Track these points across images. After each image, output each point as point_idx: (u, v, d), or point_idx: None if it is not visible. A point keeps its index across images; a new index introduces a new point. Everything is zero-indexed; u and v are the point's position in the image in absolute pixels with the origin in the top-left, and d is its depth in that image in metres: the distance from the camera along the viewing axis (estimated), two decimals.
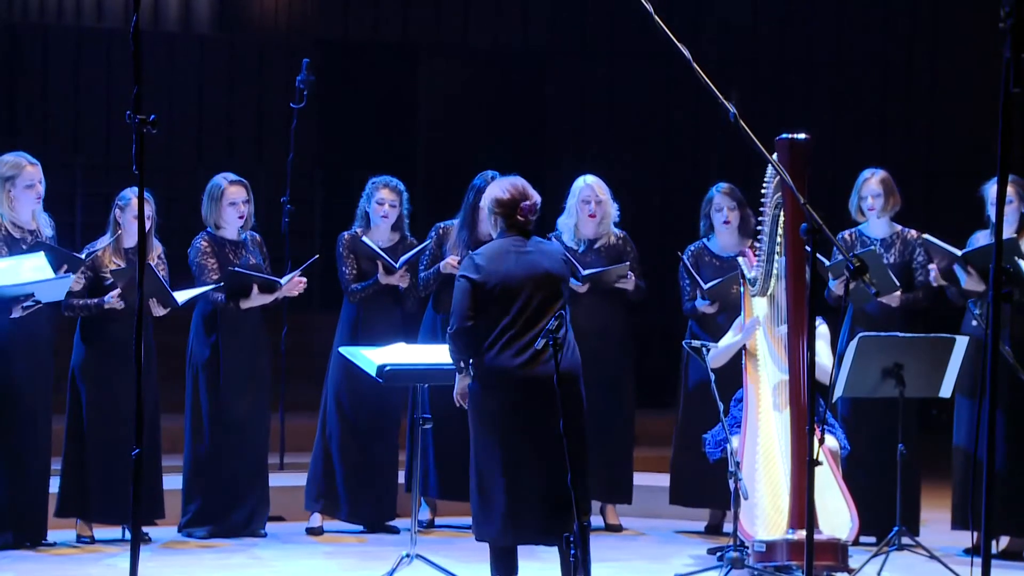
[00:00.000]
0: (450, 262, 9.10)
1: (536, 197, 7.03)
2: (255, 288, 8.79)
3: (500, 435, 6.81)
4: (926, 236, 8.83)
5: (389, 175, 9.27)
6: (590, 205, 9.33)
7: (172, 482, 8.91)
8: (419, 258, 9.25)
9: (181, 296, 8.55)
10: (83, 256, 8.42)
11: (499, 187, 7.03)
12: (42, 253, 8.11)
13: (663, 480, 9.76)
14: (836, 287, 8.85)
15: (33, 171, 8.41)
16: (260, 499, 8.99)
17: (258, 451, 9.00)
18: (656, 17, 5.69)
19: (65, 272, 8.21)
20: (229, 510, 8.87)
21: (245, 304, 8.82)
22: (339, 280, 9.24)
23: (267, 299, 8.86)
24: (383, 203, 9.19)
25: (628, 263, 9.25)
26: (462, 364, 7.00)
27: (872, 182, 9.02)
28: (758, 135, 5.79)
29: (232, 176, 8.96)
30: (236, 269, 8.80)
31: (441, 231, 9.33)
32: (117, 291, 8.46)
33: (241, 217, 8.91)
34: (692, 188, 14.71)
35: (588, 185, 9.37)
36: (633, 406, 9.54)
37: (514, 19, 15.93)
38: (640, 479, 9.62)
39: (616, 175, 9.96)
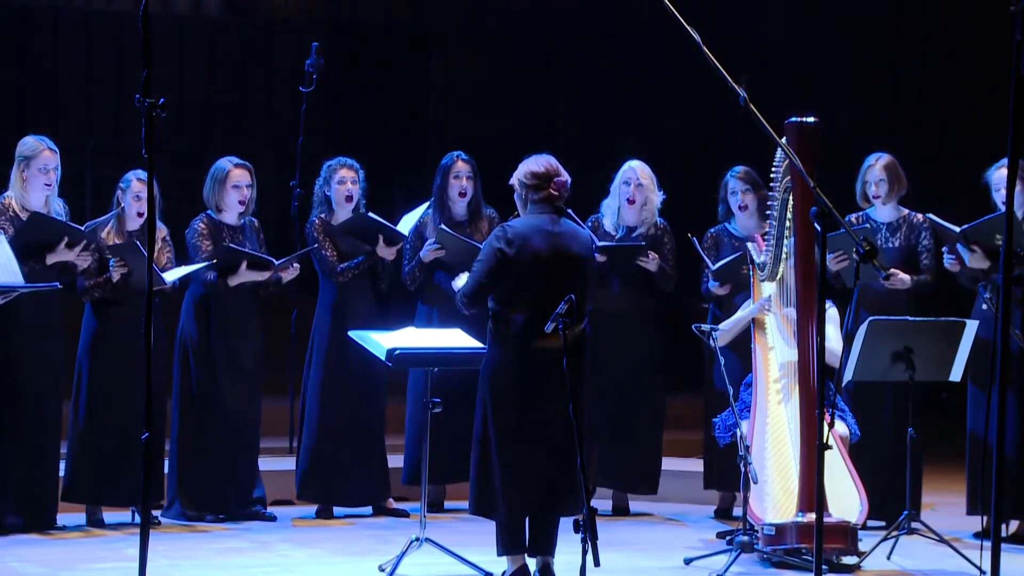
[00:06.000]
0: (429, 250, 9.10)
1: (567, 176, 7.03)
2: (243, 265, 8.75)
3: (512, 410, 6.86)
4: (930, 216, 8.80)
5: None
6: (629, 188, 9.18)
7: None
8: (402, 251, 9.22)
9: (170, 275, 8.52)
10: (82, 229, 8.39)
11: (533, 161, 7.04)
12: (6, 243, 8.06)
13: (675, 464, 9.76)
14: (831, 263, 8.73)
15: (50, 156, 8.41)
16: (248, 484, 8.94)
17: (248, 436, 8.95)
18: (666, 1, 5.68)
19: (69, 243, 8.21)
20: (215, 494, 8.84)
21: (233, 281, 8.76)
22: (320, 266, 9.20)
23: (257, 277, 8.79)
24: (345, 182, 9.13)
25: (643, 242, 9.15)
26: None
27: (876, 168, 8.95)
28: (769, 118, 5.77)
29: (237, 160, 8.94)
30: (231, 245, 8.78)
31: (420, 223, 9.28)
32: (120, 262, 8.45)
33: (242, 202, 8.89)
34: (705, 171, 14.73)
35: (631, 167, 9.21)
36: (663, 393, 9.43)
37: (526, 3, 15.89)
38: None
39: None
